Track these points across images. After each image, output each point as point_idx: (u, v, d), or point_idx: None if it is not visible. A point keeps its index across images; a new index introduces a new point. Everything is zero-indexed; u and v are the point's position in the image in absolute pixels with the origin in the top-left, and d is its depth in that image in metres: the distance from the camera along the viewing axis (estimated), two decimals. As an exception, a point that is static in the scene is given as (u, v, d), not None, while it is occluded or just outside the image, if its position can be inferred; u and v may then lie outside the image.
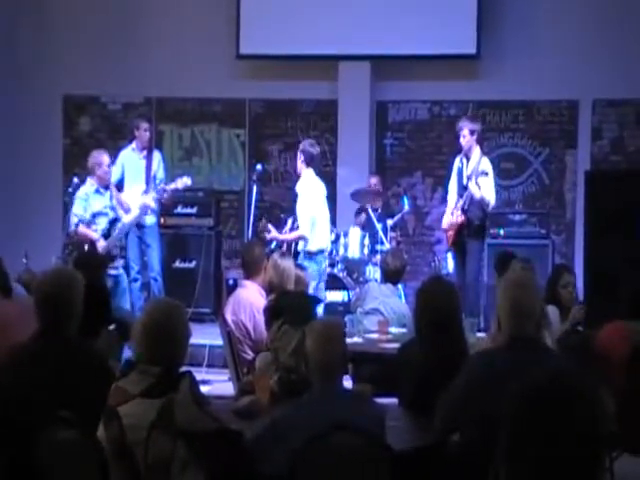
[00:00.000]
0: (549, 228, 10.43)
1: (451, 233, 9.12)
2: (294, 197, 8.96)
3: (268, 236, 8.90)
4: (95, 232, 9.07)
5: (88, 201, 9.14)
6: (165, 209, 10.17)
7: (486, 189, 8.95)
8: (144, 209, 9.48)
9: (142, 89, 11.68)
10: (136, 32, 11.54)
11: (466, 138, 9.03)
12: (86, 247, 8.94)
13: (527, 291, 4.06)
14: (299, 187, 8.81)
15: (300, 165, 8.80)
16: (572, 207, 10.95)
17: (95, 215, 9.14)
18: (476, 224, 9.00)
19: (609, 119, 10.88)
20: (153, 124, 11.09)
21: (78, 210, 9.12)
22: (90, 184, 9.22)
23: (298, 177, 8.93)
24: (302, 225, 8.67)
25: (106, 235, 9.10)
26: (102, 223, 9.14)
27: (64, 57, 11.63)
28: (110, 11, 11.62)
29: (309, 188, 8.74)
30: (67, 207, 9.91)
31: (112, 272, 8.97)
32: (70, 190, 9.71)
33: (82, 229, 9.06)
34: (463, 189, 9.04)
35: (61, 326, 3.97)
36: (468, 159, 9.09)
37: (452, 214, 9.10)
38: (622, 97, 10.73)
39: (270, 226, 8.98)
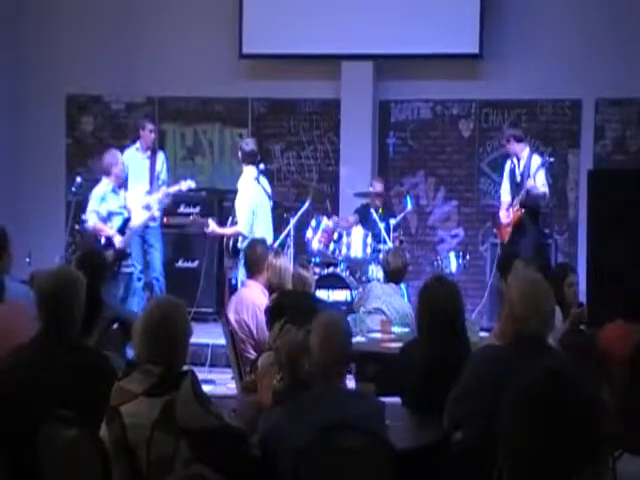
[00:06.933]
0: (552, 227, 10.42)
1: (508, 229, 9.59)
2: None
3: (207, 230, 8.97)
4: (111, 229, 9.14)
5: (105, 200, 9.19)
6: (168, 209, 10.17)
7: (541, 183, 9.50)
8: (151, 216, 9.51)
9: (145, 89, 11.69)
10: (139, 32, 11.54)
11: (512, 145, 9.69)
12: (102, 240, 9.03)
13: (545, 292, 4.05)
14: (239, 184, 8.86)
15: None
16: (575, 206, 10.94)
17: (110, 214, 9.20)
18: (534, 213, 9.56)
19: (612, 118, 10.87)
20: (156, 123, 11.09)
21: (96, 207, 9.17)
22: (106, 183, 9.27)
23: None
24: (239, 221, 8.67)
25: (122, 232, 9.15)
26: (117, 222, 9.20)
27: (67, 57, 11.64)
28: (113, 11, 11.63)
29: (246, 185, 8.77)
30: (70, 206, 9.93)
31: (127, 270, 9.09)
32: (73, 189, 9.73)
33: (99, 225, 9.12)
34: (517, 187, 9.58)
35: (62, 326, 3.97)
36: (519, 159, 9.66)
37: (508, 211, 9.62)
38: (625, 96, 10.72)
39: (210, 221, 9.03)
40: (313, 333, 3.88)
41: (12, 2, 11.74)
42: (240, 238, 8.64)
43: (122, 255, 9.00)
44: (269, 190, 9.04)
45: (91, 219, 9.15)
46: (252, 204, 8.67)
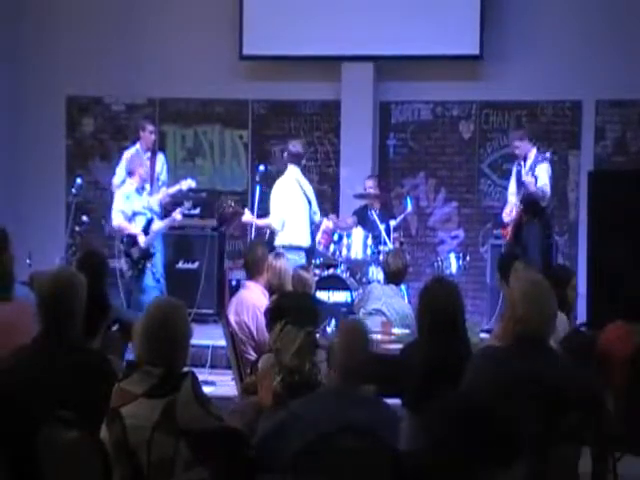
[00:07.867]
0: (552, 229, 10.41)
1: (509, 229, 9.57)
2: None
3: (242, 219, 9.46)
4: (136, 228, 9.24)
5: (130, 199, 9.28)
6: (169, 210, 10.17)
7: (543, 179, 9.38)
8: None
9: (145, 90, 11.69)
10: (139, 33, 11.54)
11: (520, 147, 9.59)
12: (124, 240, 9.18)
13: (547, 294, 4.04)
14: (278, 181, 9.25)
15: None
16: (575, 208, 10.95)
17: (135, 214, 9.28)
18: (532, 211, 9.44)
19: (612, 120, 10.87)
20: (156, 125, 11.09)
21: (122, 206, 9.25)
22: (130, 184, 9.38)
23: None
24: (271, 214, 9.07)
25: (145, 232, 9.22)
26: (140, 222, 9.27)
27: (67, 58, 11.64)
28: (113, 11, 11.64)
29: (284, 182, 9.15)
30: (70, 208, 9.93)
31: (152, 270, 9.21)
32: (74, 191, 9.75)
33: (124, 224, 9.20)
34: (522, 187, 9.55)
35: (62, 327, 3.96)
36: (525, 160, 9.57)
37: (510, 211, 9.58)
38: (625, 98, 10.73)
39: (247, 210, 9.51)
40: (337, 336, 3.92)
41: (12, 2, 11.74)
42: (276, 234, 9.01)
43: (147, 254, 9.11)
44: (310, 195, 9.28)
45: (116, 219, 9.29)
46: (284, 200, 9.00)
